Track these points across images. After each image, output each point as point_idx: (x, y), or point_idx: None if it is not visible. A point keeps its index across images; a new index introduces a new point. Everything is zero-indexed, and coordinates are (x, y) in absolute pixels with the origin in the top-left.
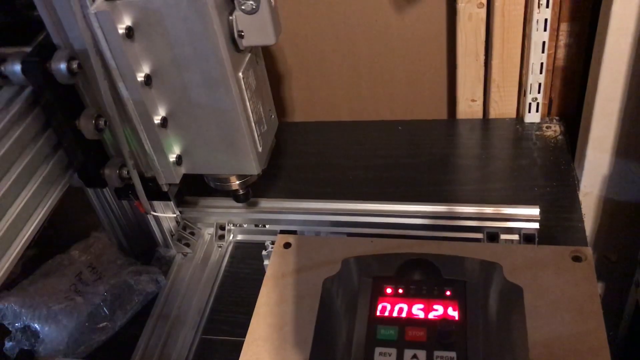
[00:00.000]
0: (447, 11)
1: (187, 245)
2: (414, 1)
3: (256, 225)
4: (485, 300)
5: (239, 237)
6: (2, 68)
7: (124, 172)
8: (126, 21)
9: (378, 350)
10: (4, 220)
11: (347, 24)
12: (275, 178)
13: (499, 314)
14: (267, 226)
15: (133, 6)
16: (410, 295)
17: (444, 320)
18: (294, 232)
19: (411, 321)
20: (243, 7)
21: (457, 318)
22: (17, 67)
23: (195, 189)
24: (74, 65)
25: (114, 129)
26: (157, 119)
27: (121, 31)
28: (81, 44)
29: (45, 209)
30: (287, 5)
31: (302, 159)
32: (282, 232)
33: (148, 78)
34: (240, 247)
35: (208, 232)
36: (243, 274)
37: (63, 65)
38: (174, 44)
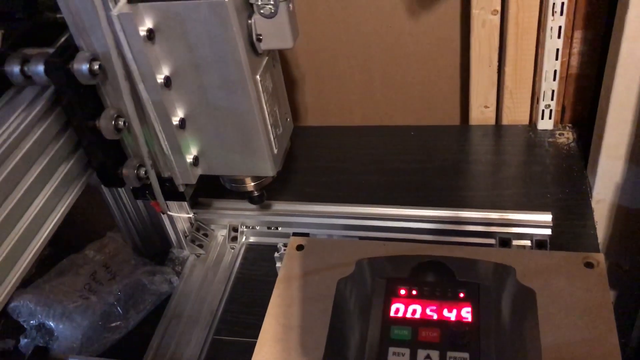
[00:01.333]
0: (461, 17)
1: (201, 246)
2: (428, 7)
3: (269, 228)
4: (499, 303)
5: (252, 239)
6: (26, 68)
7: (142, 172)
8: (147, 23)
9: (392, 350)
10: (24, 218)
11: (361, 30)
12: (288, 181)
13: (512, 317)
14: (280, 229)
15: (154, 9)
16: (424, 297)
17: (458, 321)
18: (306, 235)
19: (425, 322)
20: (262, 11)
21: (470, 320)
22: (40, 68)
23: (208, 191)
24: (96, 66)
25: (133, 129)
26: (175, 120)
27: (142, 33)
28: (103, 45)
29: (64, 207)
30: (302, 10)
31: (315, 162)
32: (295, 234)
33: (167, 80)
34: (252, 249)
35: (221, 234)
36: (255, 276)
37: (85, 66)
38: (193, 46)
